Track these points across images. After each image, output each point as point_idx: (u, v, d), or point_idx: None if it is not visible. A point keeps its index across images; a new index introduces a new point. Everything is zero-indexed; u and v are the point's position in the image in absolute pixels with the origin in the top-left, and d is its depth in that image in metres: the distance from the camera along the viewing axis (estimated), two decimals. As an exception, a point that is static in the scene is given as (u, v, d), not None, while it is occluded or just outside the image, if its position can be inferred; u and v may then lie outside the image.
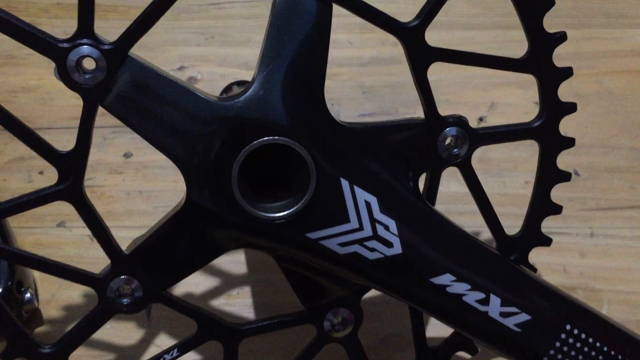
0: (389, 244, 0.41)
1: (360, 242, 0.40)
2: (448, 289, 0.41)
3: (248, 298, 0.55)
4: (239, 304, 0.55)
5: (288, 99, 0.38)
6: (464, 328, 0.43)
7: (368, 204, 0.40)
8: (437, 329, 0.51)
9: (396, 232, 0.41)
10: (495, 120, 0.68)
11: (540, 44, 0.42)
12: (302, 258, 0.41)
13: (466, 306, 0.42)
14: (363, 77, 0.71)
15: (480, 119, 0.68)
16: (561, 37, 0.42)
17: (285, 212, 0.39)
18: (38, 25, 0.37)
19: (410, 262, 0.41)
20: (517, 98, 0.70)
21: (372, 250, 0.41)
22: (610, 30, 0.75)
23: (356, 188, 0.40)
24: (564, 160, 0.70)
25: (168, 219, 0.40)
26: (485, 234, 0.59)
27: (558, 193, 0.65)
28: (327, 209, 0.40)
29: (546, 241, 0.46)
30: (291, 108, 0.39)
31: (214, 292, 0.55)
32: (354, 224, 0.40)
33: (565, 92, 0.44)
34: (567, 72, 0.43)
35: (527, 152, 0.65)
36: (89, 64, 0.38)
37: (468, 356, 0.50)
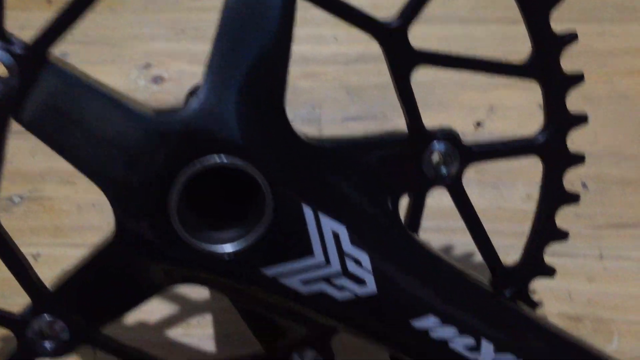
0: (361, 282, 0.34)
1: (327, 279, 0.34)
2: (431, 334, 0.35)
3: (209, 328, 0.49)
4: (198, 334, 0.48)
5: (241, 111, 0.32)
6: (451, 379, 0.37)
7: (336, 235, 0.34)
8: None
9: (370, 268, 0.34)
10: (494, 125, 0.61)
11: (546, 46, 0.35)
12: (259, 297, 0.35)
13: (453, 354, 0.35)
14: (349, 77, 0.64)
15: (478, 124, 0.61)
16: (571, 38, 0.35)
17: (236, 245, 0.33)
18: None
19: (387, 303, 0.35)
20: (520, 100, 0.63)
21: (342, 289, 0.34)
22: (623, 26, 0.68)
23: (321, 216, 0.33)
24: (571, 172, 0.63)
25: (97, 250, 0.33)
26: (479, 256, 0.53)
27: (564, 208, 0.59)
28: (286, 240, 0.33)
29: (549, 272, 0.40)
30: (245, 122, 0.32)
31: (171, 321, 0.49)
32: (319, 258, 0.34)
33: (573, 94, 0.38)
34: (577, 79, 0.36)
35: (530, 160, 0.58)
36: (-2, 70, 0.32)
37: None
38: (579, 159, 0.38)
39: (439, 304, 0.35)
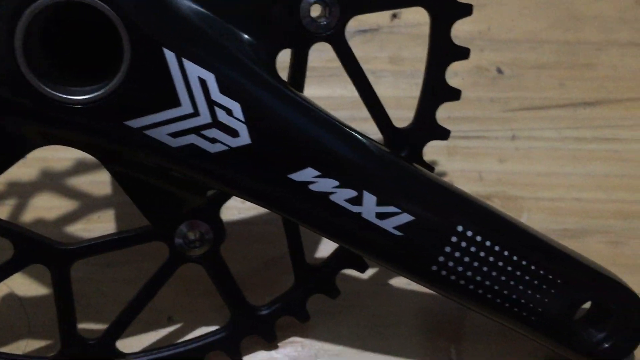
0: (233, 133, 0.33)
1: (196, 131, 0.32)
2: (311, 187, 0.34)
3: (111, 222, 0.47)
4: (99, 229, 0.47)
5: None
6: (336, 235, 0.36)
7: (203, 83, 0.32)
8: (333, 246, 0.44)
9: (242, 118, 0.33)
10: (411, 16, 0.60)
11: None
12: (128, 155, 0.33)
13: (335, 207, 0.34)
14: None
15: (394, 15, 0.59)
16: None
17: (92, 93, 0.31)
18: None
19: (262, 155, 0.33)
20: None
21: (213, 141, 0.33)
22: None
23: (186, 62, 0.31)
24: (486, 57, 0.62)
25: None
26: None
27: (477, 93, 0.58)
28: (149, 89, 0.31)
29: (443, 134, 0.39)
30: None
31: (70, 217, 0.47)
32: (186, 108, 0.32)
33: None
34: None
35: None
36: None
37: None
38: (465, 8, 0.36)
39: (317, 155, 0.34)
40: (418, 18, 0.62)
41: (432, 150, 0.52)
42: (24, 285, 0.44)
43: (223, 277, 0.39)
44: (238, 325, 0.40)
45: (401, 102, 0.49)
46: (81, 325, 0.43)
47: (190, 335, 0.43)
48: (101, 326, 0.43)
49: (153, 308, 0.44)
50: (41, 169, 0.49)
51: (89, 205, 0.48)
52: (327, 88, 0.55)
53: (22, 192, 0.48)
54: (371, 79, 0.60)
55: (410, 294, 0.44)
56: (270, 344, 0.42)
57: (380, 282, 0.45)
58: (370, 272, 0.45)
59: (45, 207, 0.47)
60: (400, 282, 0.45)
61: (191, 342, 0.40)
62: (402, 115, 0.40)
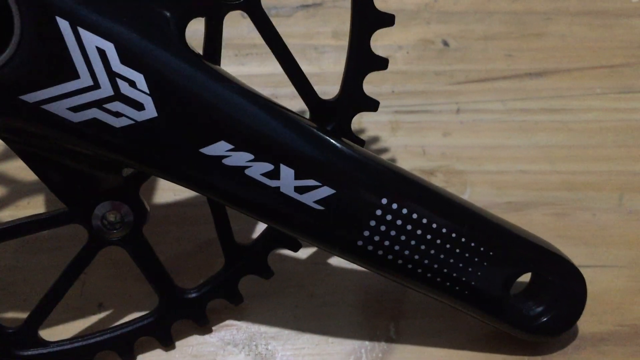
0: (138, 106, 0.31)
1: (98, 104, 0.31)
2: (225, 161, 0.32)
3: (40, 208, 0.46)
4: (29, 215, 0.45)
5: None
6: (257, 211, 0.34)
7: (102, 53, 0.30)
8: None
9: (147, 90, 0.31)
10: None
11: None
12: (29, 132, 0.31)
13: (251, 182, 0.33)
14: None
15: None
16: None
17: (-18, 67, 0.29)
18: None
19: (171, 129, 0.31)
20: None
21: (118, 115, 0.31)
22: None
23: (82, 31, 0.30)
24: (433, 30, 0.61)
25: None
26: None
27: (422, 67, 0.57)
28: (44, 61, 0.29)
29: (370, 105, 0.38)
30: None
31: (-1, 202, 0.46)
32: (85, 80, 0.30)
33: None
34: None
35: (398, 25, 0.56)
36: None
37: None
38: (387, -28, 0.35)
39: (231, 129, 0.32)
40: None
41: (376, 126, 0.51)
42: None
43: (147, 259, 0.37)
44: (167, 310, 0.39)
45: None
46: (7, 315, 0.42)
47: (122, 322, 0.41)
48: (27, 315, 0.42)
49: (83, 294, 0.43)
50: (-33, 155, 0.48)
51: (17, 191, 0.46)
52: (269, 65, 0.53)
53: (-52, 179, 0.46)
54: (314, 54, 0.60)
55: (349, 272, 0.43)
56: (204, 327, 0.40)
57: (318, 262, 0.43)
58: (307, 251, 0.44)
59: (-30, 194, 0.46)
60: (338, 261, 0.43)
61: (118, 329, 0.38)
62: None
